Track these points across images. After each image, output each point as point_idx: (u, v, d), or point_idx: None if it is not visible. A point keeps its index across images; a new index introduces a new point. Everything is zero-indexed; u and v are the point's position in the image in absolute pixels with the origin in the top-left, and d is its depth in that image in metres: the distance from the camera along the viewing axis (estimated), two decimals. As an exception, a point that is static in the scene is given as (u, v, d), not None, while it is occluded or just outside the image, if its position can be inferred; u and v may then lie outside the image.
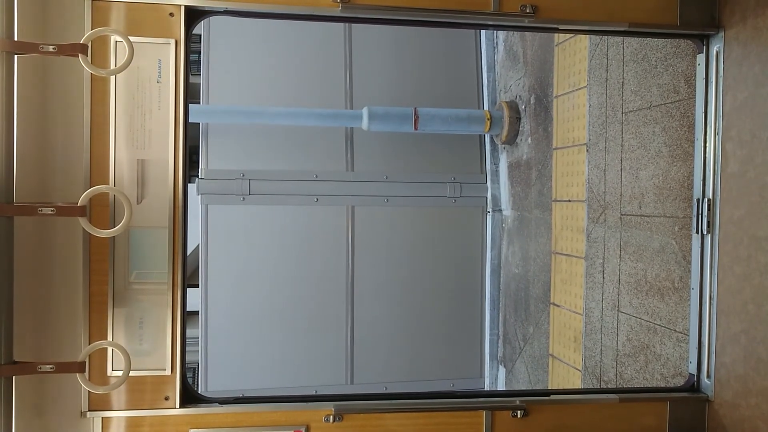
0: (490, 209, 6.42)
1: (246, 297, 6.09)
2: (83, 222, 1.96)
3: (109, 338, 2.13)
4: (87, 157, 2.09)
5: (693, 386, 2.53)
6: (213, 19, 2.33)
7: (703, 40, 2.50)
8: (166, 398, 2.18)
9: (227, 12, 2.22)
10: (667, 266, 3.51)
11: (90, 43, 1.99)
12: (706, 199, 2.49)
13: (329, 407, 2.26)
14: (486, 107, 6.53)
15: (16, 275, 1.94)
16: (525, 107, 5.74)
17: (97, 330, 2.12)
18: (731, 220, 2.37)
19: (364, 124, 5.79)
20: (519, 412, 2.34)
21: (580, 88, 4.61)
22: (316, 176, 6.14)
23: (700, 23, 2.45)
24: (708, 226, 2.48)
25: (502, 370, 6.25)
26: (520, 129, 5.83)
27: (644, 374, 3.73)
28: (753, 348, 2.23)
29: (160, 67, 2.14)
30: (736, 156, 2.35)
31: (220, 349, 6.02)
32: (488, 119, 5.97)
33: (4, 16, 1.87)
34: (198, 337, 5.95)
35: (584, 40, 4.55)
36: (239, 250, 6.08)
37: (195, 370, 6.68)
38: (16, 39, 1.89)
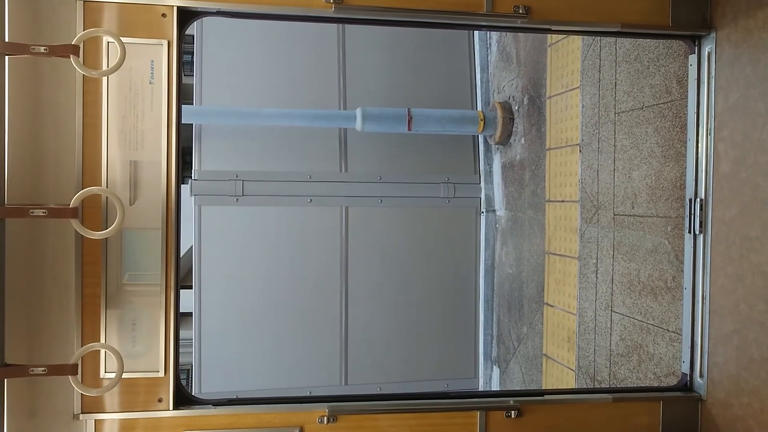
0: (483, 210, 6.42)
1: (240, 298, 6.07)
2: (75, 224, 1.95)
3: (102, 340, 2.12)
4: (79, 158, 2.08)
5: (686, 386, 2.54)
6: (206, 19, 2.33)
7: (695, 41, 2.52)
8: (160, 400, 2.17)
9: (220, 13, 2.21)
10: (660, 266, 3.52)
11: (82, 43, 1.98)
12: (698, 199, 2.50)
13: (323, 408, 2.26)
14: (479, 108, 6.54)
15: (7, 277, 1.93)
16: (518, 108, 5.76)
17: (89, 332, 2.11)
18: (723, 220, 2.38)
19: (358, 124, 5.79)
20: (513, 412, 2.34)
21: (573, 89, 4.62)
22: (310, 177, 6.13)
23: (692, 24, 2.46)
24: (700, 226, 2.49)
25: (496, 371, 6.26)
26: (514, 129, 5.85)
27: (637, 374, 3.74)
28: (745, 348, 2.25)
29: (152, 68, 2.13)
30: (728, 156, 2.36)
31: (214, 351, 6.00)
32: (482, 120, 5.98)
33: (-6, 17, 1.86)
34: (192, 339, 5.93)
35: (577, 40, 4.56)
36: (233, 251, 6.06)
37: (189, 372, 6.66)
38: (6, 40, 1.88)
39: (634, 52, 3.81)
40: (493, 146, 6.29)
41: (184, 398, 2.22)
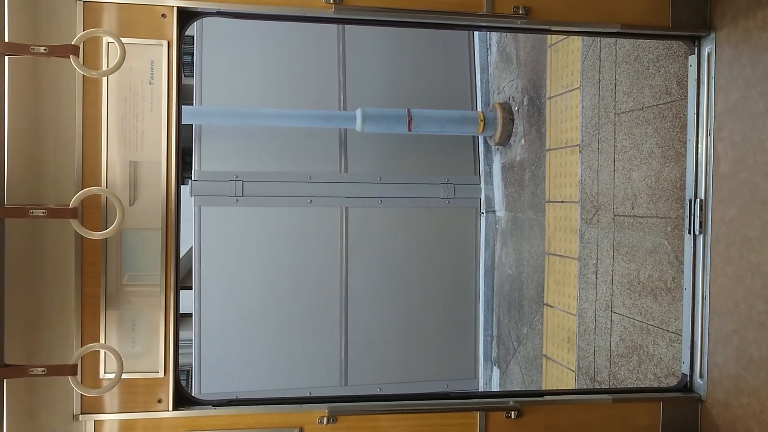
0: (483, 210, 6.42)
1: (240, 299, 6.07)
2: (75, 224, 1.95)
3: (102, 341, 2.12)
4: (79, 158, 2.08)
5: (686, 386, 2.54)
6: (206, 19, 2.33)
7: (694, 42, 2.52)
8: (159, 401, 2.17)
9: (220, 13, 2.21)
10: (660, 267, 3.52)
11: (81, 44, 1.98)
12: (698, 200, 2.50)
13: (323, 409, 2.26)
14: (479, 108, 6.54)
15: (7, 277, 1.93)
16: (518, 108, 5.76)
17: (89, 332, 2.11)
18: (723, 220, 2.38)
19: (358, 125, 5.79)
20: (513, 412, 2.34)
21: (573, 90, 4.62)
22: (310, 177, 6.13)
23: (692, 25, 2.46)
24: (700, 226, 2.49)
25: (496, 371, 6.26)
26: (514, 130, 5.85)
27: (637, 374, 3.74)
28: (745, 348, 2.25)
29: (152, 68, 2.13)
30: (728, 157, 2.36)
31: (214, 351, 6.00)
32: (482, 120, 5.98)
33: (-6, 17, 1.86)
34: (191, 339, 5.93)
35: (577, 41, 4.56)
36: (233, 251, 6.06)
37: (188, 372, 6.66)
38: (6, 40, 1.88)
39: (634, 52, 3.81)
40: (493, 147, 6.29)
41: (183, 399, 2.22)
